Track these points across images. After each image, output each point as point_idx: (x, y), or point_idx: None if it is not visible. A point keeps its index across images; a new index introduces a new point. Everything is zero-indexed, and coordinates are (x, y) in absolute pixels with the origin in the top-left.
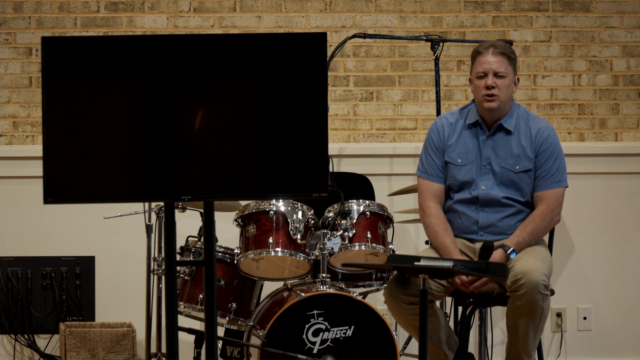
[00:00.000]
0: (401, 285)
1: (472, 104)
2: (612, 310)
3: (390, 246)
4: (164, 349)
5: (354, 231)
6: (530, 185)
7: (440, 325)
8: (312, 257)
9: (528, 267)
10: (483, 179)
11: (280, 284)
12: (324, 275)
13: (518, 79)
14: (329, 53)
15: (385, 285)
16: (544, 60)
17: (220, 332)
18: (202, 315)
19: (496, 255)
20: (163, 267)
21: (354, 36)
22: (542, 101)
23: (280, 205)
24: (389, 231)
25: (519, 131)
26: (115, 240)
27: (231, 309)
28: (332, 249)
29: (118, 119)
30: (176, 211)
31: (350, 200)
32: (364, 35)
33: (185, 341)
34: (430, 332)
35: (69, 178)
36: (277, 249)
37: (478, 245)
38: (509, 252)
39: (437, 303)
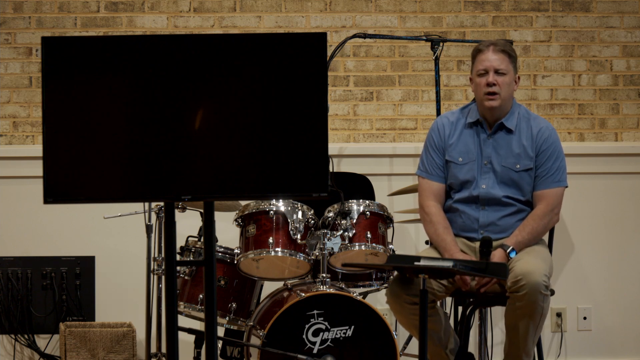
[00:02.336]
0: (404, 285)
1: (472, 104)
2: (612, 310)
3: (390, 246)
4: (164, 349)
5: (354, 231)
6: (530, 185)
7: (441, 325)
8: (312, 257)
9: (529, 268)
10: (484, 178)
11: (280, 284)
12: (324, 275)
13: (519, 78)
14: (329, 53)
15: (385, 285)
16: (544, 60)
17: (220, 332)
18: (202, 315)
19: (496, 255)
20: (163, 267)
21: (354, 36)
22: (542, 101)
23: (280, 205)
24: (389, 231)
25: (520, 130)
26: (115, 240)
27: (231, 309)
28: (332, 249)
29: (118, 119)
30: (176, 211)
31: (350, 200)
32: (364, 35)
33: (185, 341)
34: (432, 332)
35: (69, 178)
36: (277, 249)
37: (478, 244)
38: (508, 251)
39: (437, 303)
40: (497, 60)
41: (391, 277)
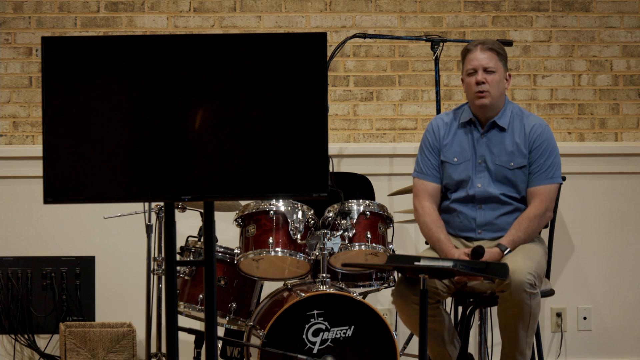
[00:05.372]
0: (410, 286)
1: (465, 104)
2: (612, 310)
3: (390, 246)
4: (164, 349)
5: (354, 231)
6: (525, 182)
7: (444, 325)
8: (312, 257)
9: (513, 267)
10: (479, 177)
11: (280, 284)
12: (324, 275)
13: (510, 75)
14: (329, 53)
15: (385, 285)
16: (544, 60)
17: (220, 332)
18: (202, 315)
19: (492, 255)
20: (163, 267)
21: (354, 36)
22: (542, 101)
23: (280, 205)
24: (389, 231)
25: (513, 128)
26: (115, 240)
27: (231, 309)
28: (332, 249)
29: (118, 119)
30: (176, 211)
31: (350, 200)
32: (364, 35)
33: (185, 341)
34: (436, 332)
35: (69, 178)
36: (277, 249)
37: (476, 244)
38: (506, 252)
39: (441, 303)
40: (486, 59)
41: (391, 277)
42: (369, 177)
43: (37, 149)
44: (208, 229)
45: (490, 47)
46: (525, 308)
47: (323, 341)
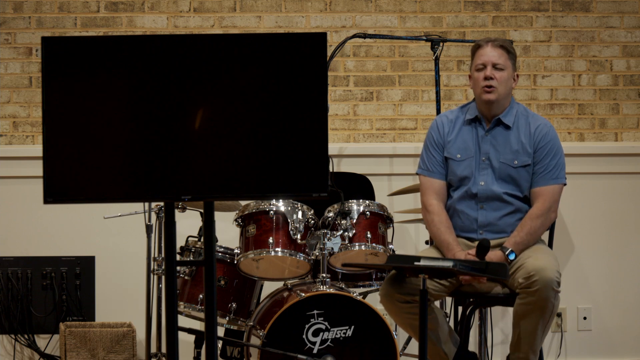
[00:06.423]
0: (396, 285)
1: (472, 102)
2: (612, 310)
3: (390, 246)
4: (164, 349)
5: (354, 231)
6: (528, 182)
7: (438, 324)
8: (312, 257)
9: (541, 264)
10: (482, 174)
11: (280, 284)
12: (324, 275)
13: (517, 75)
14: (329, 53)
15: None
16: (544, 60)
17: (220, 332)
18: (202, 315)
19: (494, 257)
20: (163, 267)
21: (354, 36)
22: (542, 101)
23: (280, 205)
24: (389, 231)
25: (518, 127)
26: (115, 240)
27: (231, 309)
28: (332, 249)
29: (118, 119)
30: (176, 211)
31: (350, 200)
32: (364, 35)
33: (185, 341)
34: (429, 331)
35: (69, 178)
36: (277, 249)
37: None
38: (507, 253)
39: (437, 303)
40: (496, 56)
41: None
42: (369, 177)
43: (37, 149)
44: (208, 229)
45: (501, 44)
46: (549, 306)
47: (323, 341)
